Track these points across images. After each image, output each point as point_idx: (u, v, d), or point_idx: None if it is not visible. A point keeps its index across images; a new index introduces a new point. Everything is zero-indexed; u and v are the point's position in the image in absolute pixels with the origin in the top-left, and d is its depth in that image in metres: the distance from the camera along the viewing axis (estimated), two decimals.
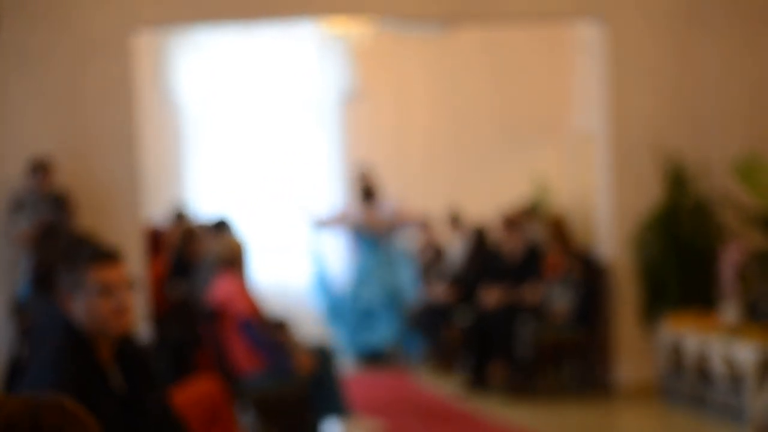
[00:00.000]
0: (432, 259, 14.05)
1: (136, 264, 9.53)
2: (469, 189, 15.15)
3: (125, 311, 4.38)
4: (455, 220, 13.93)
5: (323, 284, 13.74)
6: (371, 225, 13.42)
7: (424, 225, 14.18)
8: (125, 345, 4.51)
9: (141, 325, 9.41)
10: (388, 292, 13.39)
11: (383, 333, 13.45)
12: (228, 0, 10.65)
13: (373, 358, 13.33)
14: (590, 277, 10.92)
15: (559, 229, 11.52)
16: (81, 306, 4.35)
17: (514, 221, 11.78)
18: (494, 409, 10.57)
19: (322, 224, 13.67)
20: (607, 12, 11.09)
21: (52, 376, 4.20)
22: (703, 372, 9.92)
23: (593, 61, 11.64)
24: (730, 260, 10.14)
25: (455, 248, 13.70)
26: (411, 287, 13.57)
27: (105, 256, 4.44)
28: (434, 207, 14.31)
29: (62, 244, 6.77)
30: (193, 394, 6.86)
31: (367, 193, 13.43)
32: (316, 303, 13.94)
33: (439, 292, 12.92)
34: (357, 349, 13.40)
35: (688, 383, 10.10)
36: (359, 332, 13.46)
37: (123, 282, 4.41)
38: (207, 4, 10.64)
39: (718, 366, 9.64)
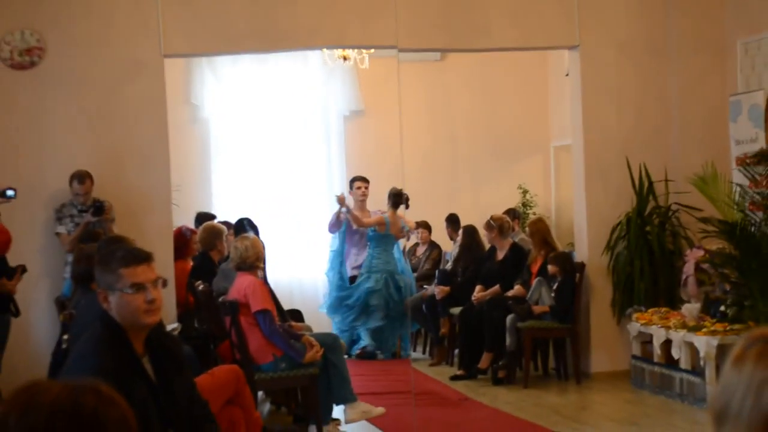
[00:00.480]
0: (430, 258, 14.04)
1: (164, 264, 9.54)
2: (463, 198, 15.15)
3: (155, 306, 4.40)
4: (453, 222, 13.83)
5: (339, 277, 13.39)
6: (395, 227, 13.23)
7: (424, 225, 14.14)
8: (155, 336, 4.54)
9: (169, 318, 9.43)
10: (402, 293, 13.11)
11: (392, 342, 13.30)
12: (245, 33, 10.67)
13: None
14: (569, 275, 10.93)
15: (541, 232, 11.54)
16: (116, 301, 4.36)
17: (501, 224, 11.81)
18: (483, 393, 10.60)
19: (338, 224, 13.30)
20: (582, 44, 11.17)
21: (92, 363, 4.21)
22: (668, 361, 9.96)
23: (570, 85, 11.69)
24: (691, 262, 10.17)
25: (452, 249, 13.67)
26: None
27: (136, 257, 4.44)
28: (431, 216, 14.29)
29: (100, 246, 6.77)
30: (215, 378, 6.89)
31: (398, 199, 13.23)
32: (328, 294, 13.59)
33: (436, 287, 12.87)
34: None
35: (655, 371, 10.13)
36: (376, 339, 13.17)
37: (152, 280, 4.42)
38: (228, 37, 10.67)
39: (681, 356, 9.68)
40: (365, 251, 13.38)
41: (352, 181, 13.70)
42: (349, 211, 13.14)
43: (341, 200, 13.08)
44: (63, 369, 4.48)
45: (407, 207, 13.20)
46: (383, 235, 13.22)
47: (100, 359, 4.23)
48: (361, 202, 13.52)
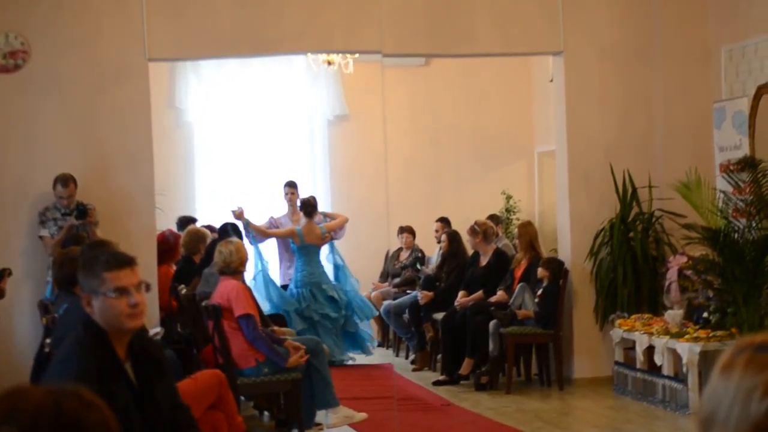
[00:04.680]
0: (413, 263, 14.02)
1: (148, 268, 9.51)
2: (446, 203, 15.12)
3: (138, 310, 4.37)
4: (445, 222, 13.73)
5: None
6: (311, 236, 12.73)
7: (408, 230, 14.11)
8: (138, 340, 4.51)
9: (152, 323, 9.40)
10: (338, 303, 12.74)
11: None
12: (230, 38, 10.66)
13: None
14: (552, 281, 10.93)
15: (529, 235, 11.54)
16: (99, 305, 4.33)
17: (485, 230, 11.81)
18: (466, 399, 10.59)
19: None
20: (566, 50, 11.18)
21: (74, 367, 4.19)
22: (650, 367, 9.97)
23: (554, 91, 11.71)
24: (674, 269, 10.19)
25: (434, 253, 13.66)
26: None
27: (120, 261, 4.40)
28: (415, 220, 14.29)
29: (83, 250, 6.75)
30: (198, 383, 6.87)
31: (309, 208, 12.75)
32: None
33: (419, 292, 12.84)
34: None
35: (637, 377, 10.13)
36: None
37: (136, 284, 4.39)
38: (213, 41, 10.66)
39: (663, 362, 9.69)
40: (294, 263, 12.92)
41: (284, 186, 13.37)
42: (248, 224, 12.45)
43: (239, 215, 12.37)
44: (45, 373, 4.45)
45: (310, 212, 12.75)
46: (302, 246, 12.69)
47: (82, 363, 4.21)
48: (292, 207, 13.21)
